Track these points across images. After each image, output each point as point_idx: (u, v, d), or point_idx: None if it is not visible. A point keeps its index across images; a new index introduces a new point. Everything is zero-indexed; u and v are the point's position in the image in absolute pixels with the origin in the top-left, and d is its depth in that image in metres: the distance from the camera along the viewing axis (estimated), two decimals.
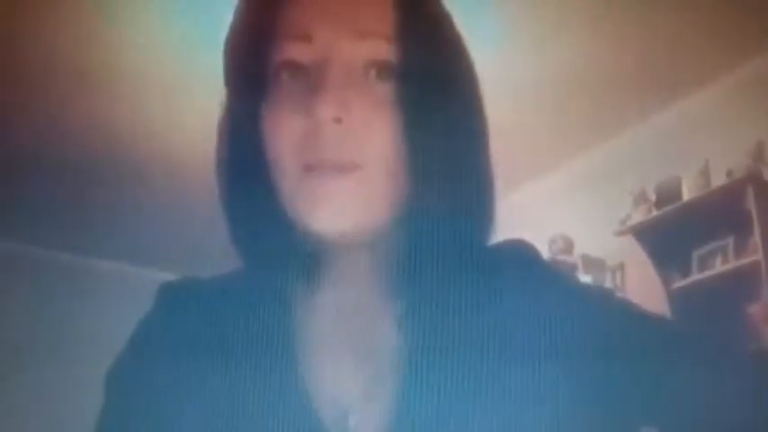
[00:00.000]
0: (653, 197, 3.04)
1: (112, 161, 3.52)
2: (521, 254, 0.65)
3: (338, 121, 0.54)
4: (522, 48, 2.86)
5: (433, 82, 0.57)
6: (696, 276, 2.85)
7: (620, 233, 3.11)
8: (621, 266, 3.20)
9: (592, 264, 3.31)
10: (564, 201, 3.59)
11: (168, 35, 2.78)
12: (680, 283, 2.87)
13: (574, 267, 3.33)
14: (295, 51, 0.57)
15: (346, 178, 0.55)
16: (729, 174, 2.79)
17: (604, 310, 0.66)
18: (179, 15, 2.67)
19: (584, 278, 3.24)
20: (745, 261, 2.68)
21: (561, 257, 3.37)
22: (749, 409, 0.60)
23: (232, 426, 0.56)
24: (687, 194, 2.91)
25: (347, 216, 0.55)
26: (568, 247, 3.42)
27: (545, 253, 3.31)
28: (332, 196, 0.55)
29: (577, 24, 2.77)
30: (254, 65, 0.58)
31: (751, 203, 2.67)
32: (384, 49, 0.56)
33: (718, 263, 2.80)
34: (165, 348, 0.60)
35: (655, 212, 3.00)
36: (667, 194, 2.96)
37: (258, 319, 0.59)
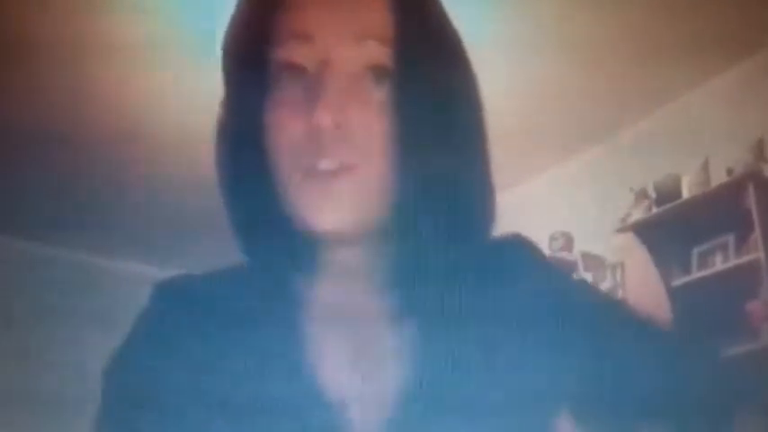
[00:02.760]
0: (653, 195, 3.03)
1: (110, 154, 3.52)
2: (518, 248, 0.66)
3: (337, 126, 0.55)
4: (519, 46, 2.86)
5: (430, 86, 0.58)
6: (696, 274, 2.85)
7: (621, 230, 3.11)
8: (621, 264, 3.20)
9: (592, 261, 3.31)
10: (564, 198, 3.59)
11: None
12: (680, 281, 2.87)
13: (573, 265, 3.33)
14: (295, 52, 0.58)
15: (343, 179, 0.56)
16: (729, 171, 2.78)
17: (595, 304, 0.68)
18: None
19: (584, 275, 3.24)
20: (745, 259, 2.68)
21: (561, 254, 3.37)
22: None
23: (235, 418, 0.56)
24: (687, 192, 2.90)
25: (344, 216, 0.56)
26: (568, 244, 3.42)
27: (545, 250, 3.33)
28: (329, 197, 0.56)
29: (577, 20, 2.76)
30: (255, 64, 0.59)
31: (751, 201, 2.66)
32: (382, 53, 0.58)
33: (719, 260, 2.80)
34: (163, 344, 0.60)
35: (655, 210, 2.99)
36: (667, 192, 2.96)
37: (257, 311, 0.60)
